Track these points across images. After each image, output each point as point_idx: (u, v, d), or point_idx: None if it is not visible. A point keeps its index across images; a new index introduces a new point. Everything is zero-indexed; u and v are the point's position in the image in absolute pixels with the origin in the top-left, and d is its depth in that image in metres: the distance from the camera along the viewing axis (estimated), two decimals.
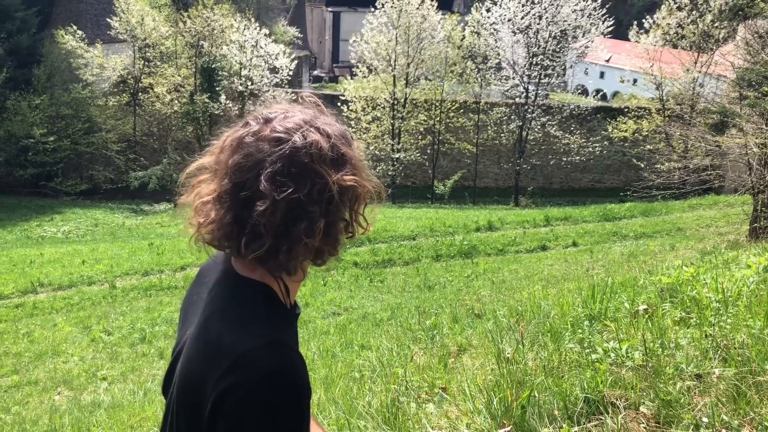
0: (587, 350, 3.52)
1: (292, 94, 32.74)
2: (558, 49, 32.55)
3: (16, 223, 26.66)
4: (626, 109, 32.20)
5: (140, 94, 33.90)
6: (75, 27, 33.14)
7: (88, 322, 12.80)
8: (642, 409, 2.81)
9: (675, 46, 29.46)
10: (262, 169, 1.29)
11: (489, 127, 34.24)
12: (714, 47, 28.06)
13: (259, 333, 1.31)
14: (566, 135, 33.59)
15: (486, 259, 16.63)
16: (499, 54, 32.86)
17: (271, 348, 1.29)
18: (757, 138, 12.87)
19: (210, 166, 1.41)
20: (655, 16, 29.29)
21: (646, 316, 4.02)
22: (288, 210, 1.28)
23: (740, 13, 20.34)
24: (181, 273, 16.35)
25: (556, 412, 2.91)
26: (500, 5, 31.97)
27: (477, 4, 35.85)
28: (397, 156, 32.72)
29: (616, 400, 2.88)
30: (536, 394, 3.04)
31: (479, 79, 33.35)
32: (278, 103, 1.47)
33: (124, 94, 34.17)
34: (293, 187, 1.27)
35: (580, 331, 3.98)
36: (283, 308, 1.43)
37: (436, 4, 32.02)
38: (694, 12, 28.17)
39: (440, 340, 5.63)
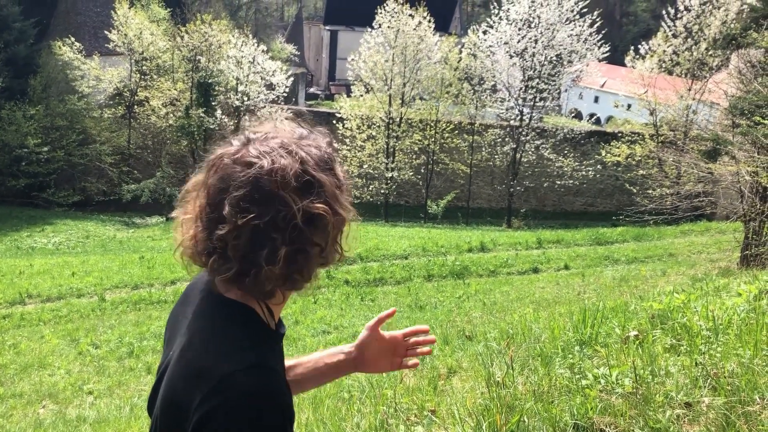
0: (577, 376, 3.51)
1: (289, 111, 32.92)
2: (553, 73, 32.77)
3: (7, 233, 26.52)
4: (620, 134, 32.39)
5: (136, 106, 33.95)
6: (73, 39, 33.24)
7: (76, 335, 12.68)
8: None
9: (670, 73, 29.72)
10: (228, 193, 1.28)
11: (483, 149, 34.42)
12: (708, 75, 28.31)
13: (241, 355, 1.30)
14: (560, 158, 33.78)
15: (478, 281, 16.61)
16: (494, 76, 33.09)
17: (253, 371, 1.27)
18: (749, 166, 12.95)
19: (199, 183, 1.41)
20: (650, 42, 29.56)
21: (637, 342, 4.02)
22: (251, 236, 1.26)
23: (733, 42, 20.56)
24: (171, 287, 16.26)
25: None
26: (497, 29, 32.23)
27: (474, 26, 36.18)
28: (390, 175, 32.80)
29: (606, 427, 2.87)
30: (525, 420, 3.03)
31: (475, 100, 33.56)
32: (270, 121, 1.47)
33: (119, 107, 34.21)
34: (256, 213, 1.25)
35: (570, 355, 3.97)
36: (267, 329, 1.41)
37: (433, 26, 32.31)
38: (689, 40, 28.45)
39: (430, 362, 5.60)
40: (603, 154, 32.33)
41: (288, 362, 1.76)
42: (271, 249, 1.27)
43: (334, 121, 32.69)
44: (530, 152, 33.46)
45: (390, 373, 5.41)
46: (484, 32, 32.76)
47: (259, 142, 1.35)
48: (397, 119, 32.78)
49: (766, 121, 11.94)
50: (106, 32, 33.78)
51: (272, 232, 1.27)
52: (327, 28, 60.76)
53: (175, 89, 33.60)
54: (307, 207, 1.29)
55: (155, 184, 31.39)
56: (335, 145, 1.49)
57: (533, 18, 31.26)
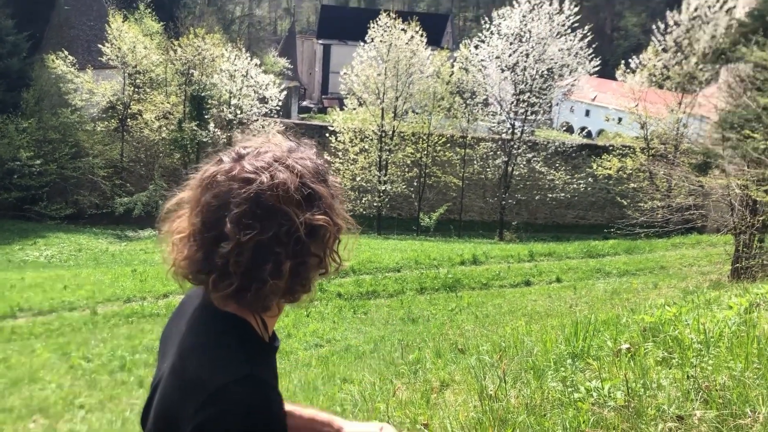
0: (570, 389, 3.52)
1: (280, 124, 32.97)
2: (544, 87, 32.95)
3: None
4: (611, 147, 32.50)
5: (129, 120, 33.93)
6: (66, 52, 33.22)
7: (68, 349, 12.59)
8: None
9: (660, 87, 29.93)
10: (228, 211, 1.28)
11: (475, 162, 34.51)
12: (698, 89, 28.55)
13: (234, 368, 1.31)
14: (551, 171, 33.90)
15: (470, 293, 16.61)
16: (486, 90, 33.24)
17: (246, 383, 1.29)
18: (738, 179, 13.04)
19: (188, 201, 1.41)
20: (641, 56, 29.80)
21: (629, 355, 4.03)
22: (254, 251, 1.28)
23: (723, 56, 20.76)
24: (164, 300, 16.20)
25: None
26: (488, 43, 32.43)
27: (466, 41, 36.40)
28: (383, 188, 32.84)
29: None
30: None
31: (467, 114, 33.68)
32: (258, 135, 1.48)
33: (112, 120, 34.15)
34: (259, 229, 1.27)
35: (562, 368, 3.99)
36: (261, 342, 1.42)
37: (425, 40, 32.49)
38: (679, 54, 28.70)
39: (423, 375, 5.60)
40: (594, 168, 32.42)
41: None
42: (276, 263, 1.29)
43: (327, 135, 32.74)
44: (522, 165, 33.57)
45: (383, 387, 5.41)
46: (476, 46, 32.95)
47: (252, 157, 1.36)
48: (390, 132, 32.87)
49: (755, 135, 12.05)
50: (99, 46, 33.79)
51: (276, 247, 1.29)
52: (320, 42, 61.05)
53: (168, 102, 33.61)
54: (309, 219, 1.31)
55: (148, 197, 31.30)
56: (325, 156, 1.51)
57: (524, 32, 31.46)
